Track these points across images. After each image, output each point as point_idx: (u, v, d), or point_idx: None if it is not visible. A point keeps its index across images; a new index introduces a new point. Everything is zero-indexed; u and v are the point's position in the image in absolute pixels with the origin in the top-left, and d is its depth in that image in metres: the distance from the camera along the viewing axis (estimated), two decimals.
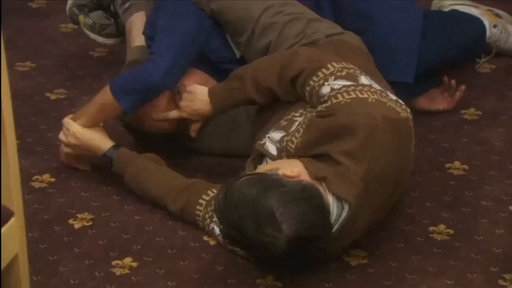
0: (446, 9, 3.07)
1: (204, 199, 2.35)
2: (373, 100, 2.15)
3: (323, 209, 2.05)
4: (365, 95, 2.16)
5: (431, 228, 2.38)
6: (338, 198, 2.09)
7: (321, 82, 2.23)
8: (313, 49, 2.42)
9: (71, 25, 3.31)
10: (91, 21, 2.98)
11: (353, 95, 2.16)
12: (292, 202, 2.00)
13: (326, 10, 2.74)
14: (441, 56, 2.80)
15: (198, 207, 2.35)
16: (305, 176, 2.09)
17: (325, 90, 2.21)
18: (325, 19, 2.66)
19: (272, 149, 2.26)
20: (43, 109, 2.90)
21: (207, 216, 2.34)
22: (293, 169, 2.09)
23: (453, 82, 2.82)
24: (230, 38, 2.65)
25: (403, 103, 2.24)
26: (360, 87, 2.18)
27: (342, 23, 2.67)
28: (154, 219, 2.43)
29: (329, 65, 2.25)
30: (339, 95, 2.17)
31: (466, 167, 2.62)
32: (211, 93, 2.43)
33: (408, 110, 2.23)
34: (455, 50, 2.83)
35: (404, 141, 2.17)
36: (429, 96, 2.85)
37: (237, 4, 2.58)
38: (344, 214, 2.10)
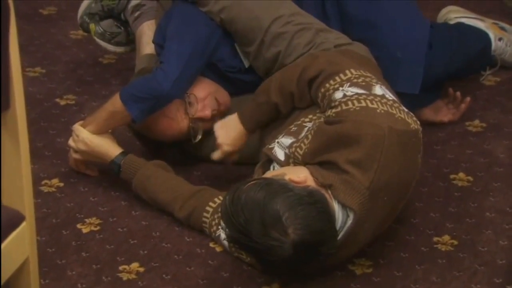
0: (451, 22, 3.08)
1: (211, 206, 2.36)
2: (382, 111, 2.16)
3: (329, 214, 2.06)
4: (375, 105, 2.17)
5: (435, 239, 2.38)
6: (343, 206, 2.10)
7: (336, 86, 2.24)
8: (334, 53, 2.44)
9: (81, 32, 3.32)
10: (101, 30, 2.99)
11: (363, 104, 2.17)
12: (298, 206, 2.00)
13: (333, 20, 2.74)
14: (446, 68, 2.80)
15: (204, 214, 2.36)
16: (311, 183, 2.10)
17: (338, 95, 2.22)
18: (333, 29, 2.67)
19: (280, 154, 2.26)
20: (53, 115, 2.91)
21: (213, 223, 2.35)
22: (300, 175, 2.09)
23: (458, 94, 2.82)
24: (239, 47, 2.66)
25: (413, 115, 2.25)
26: (371, 97, 2.19)
27: (349, 34, 2.68)
28: (161, 225, 2.44)
29: (347, 71, 2.26)
30: (349, 102, 2.18)
31: (470, 178, 2.62)
32: (241, 115, 2.43)
33: (418, 122, 2.23)
34: (460, 62, 2.83)
35: (411, 152, 2.18)
36: (434, 107, 2.86)
37: (247, 14, 2.59)
38: (349, 222, 2.11)
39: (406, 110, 2.24)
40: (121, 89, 2.51)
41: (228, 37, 2.64)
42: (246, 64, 2.67)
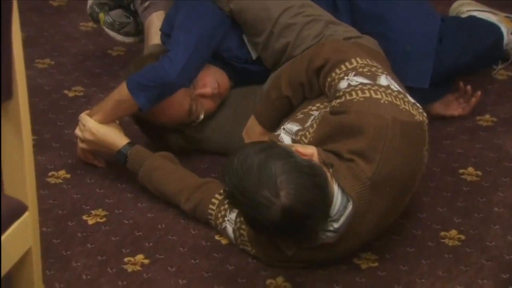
0: (463, 15, 3.07)
1: (217, 198, 2.36)
2: (386, 102, 2.16)
3: (325, 191, 2.04)
4: (379, 96, 2.17)
5: (442, 233, 2.38)
6: (344, 192, 2.09)
7: (341, 75, 2.24)
8: (340, 40, 2.44)
9: (90, 24, 3.34)
10: (111, 19, 2.99)
11: (367, 94, 2.17)
12: (296, 173, 2.00)
13: (343, 13, 2.74)
14: (457, 62, 2.79)
15: (210, 206, 2.36)
16: (316, 160, 2.10)
17: (343, 84, 2.22)
18: (342, 22, 2.67)
19: (287, 140, 2.27)
20: (61, 106, 2.92)
21: (219, 215, 2.35)
22: (307, 150, 2.09)
23: (468, 88, 2.82)
24: (247, 38, 2.67)
25: (420, 106, 2.24)
26: (376, 87, 2.19)
27: (359, 27, 2.68)
28: (167, 217, 2.44)
29: (353, 60, 2.27)
30: (353, 92, 2.18)
31: (479, 173, 2.61)
32: (257, 116, 2.45)
33: (425, 114, 2.23)
34: (471, 56, 2.81)
35: (415, 144, 2.18)
36: (444, 101, 2.85)
37: (257, 4, 2.59)
38: (348, 208, 2.10)
39: (412, 101, 2.23)
40: (128, 77, 2.51)
41: (236, 28, 2.65)
42: (254, 55, 2.67)
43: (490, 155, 2.70)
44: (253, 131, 2.48)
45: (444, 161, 2.67)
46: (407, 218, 2.42)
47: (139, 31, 3.01)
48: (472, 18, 2.99)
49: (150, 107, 2.50)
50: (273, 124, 2.43)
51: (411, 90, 2.49)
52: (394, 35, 2.70)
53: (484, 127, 2.83)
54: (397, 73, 2.50)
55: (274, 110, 2.43)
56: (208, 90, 2.59)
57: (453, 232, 2.38)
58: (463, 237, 2.36)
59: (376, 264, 2.27)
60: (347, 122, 2.14)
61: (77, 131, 2.57)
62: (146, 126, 2.65)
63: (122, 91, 2.50)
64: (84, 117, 2.56)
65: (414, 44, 2.71)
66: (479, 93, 2.82)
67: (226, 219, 2.33)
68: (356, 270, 2.26)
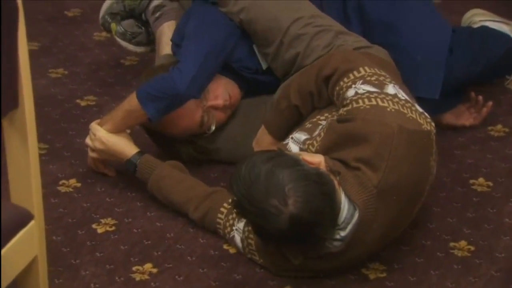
0: (475, 25, 3.06)
1: (225, 207, 2.37)
2: (392, 110, 2.16)
3: (333, 200, 2.05)
4: (385, 104, 2.17)
5: (451, 244, 2.37)
6: (351, 200, 2.10)
7: (349, 84, 2.25)
8: (350, 50, 2.46)
9: (104, 34, 3.36)
10: (122, 29, 3.01)
11: (374, 102, 2.18)
12: (304, 181, 2.01)
13: (354, 23, 2.75)
14: (467, 73, 2.79)
15: (219, 215, 2.37)
16: (323, 168, 2.11)
17: (350, 93, 2.23)
18: (353, 32, 2.67)
19: (295, 149, 2.28)
20: (73, 115, 2.94)
21: (227, 224, 2.36)
22: (315, 158, 2.10)
23: (480, 98, 2.81)
24: (257, 48, 2.67)
25: (428, 116, 2.24)
26: (383, 95, 2.20)
27: (369, 36, 2.68)
28: (175, 226, 2.45)
29: (361, 68, 2.28)
30: (360, 100, 2.19)
31: (490, 183, 2.61)
32: (267, 126, 2.47)
33: (433, 124, 2.23)
34: (482, 66, 2.81)
35: (422, 153, 2.18)
36: (455, 111, 2.85)
37: (266, 15, 2.60)
38: (355, 217, 2.10)
39: (420, 110, 2.23)
40: (138, 88, 2.53)
41: (246, 38, 2.66)
42: (264, 66, 2.68)
43: (502, 166, 2.69)
44: (263, 141, 2.48)
45: (455, 171, 2.66)
46: (416, 228, 2.41)
47: (151, 40, 3.02)
48: (484, 28, 2.98)
49: (159, 118, 2.51)
50: (282, 134, 2.44)
51: (422, 100, 2.50)
52: (405, 45, 2.70)
53: (495, 137, 2.82)
54: (408, 83, 2.50)
55: (284, 120, 2.44)
56: (220, 102, 2.60)
57: (463, 243, 2.37)
58: (472, 248, 2.36)
59: (384, 275, 2.27)
60: (353, 129, 2.14)
61: (88, 141, 2.59)
62: (157, 136, 2.66)
63: (132, 101, 2.51)
64: (94, 126, 2.58)
65: (425, 54, 2.71)
66: (490, 103, 2.81)
67: (234, 228, 2.33)
68: (364, 281, 2.26)
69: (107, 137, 2.54)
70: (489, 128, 2.86)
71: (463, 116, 2.84)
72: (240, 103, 2.71)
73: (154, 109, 2.49)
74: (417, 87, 2.60)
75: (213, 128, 2.61)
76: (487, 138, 2.82)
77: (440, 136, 2.75)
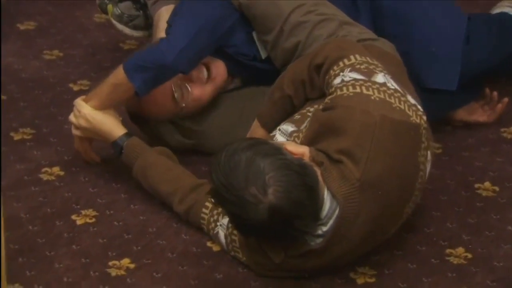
0: (497, 10, 3.00)
1: (210, 202, 2.36)
2: (377, 99, 2.15)
3: (315, 192, 2.06)
4: (370, 92, 2.17)
5: (448, 251, 2.36)
6: (334, 196, 2.10)
7: (337, 72, 2.26)
8: (346, 39, 2.46)
9: (105, 16, 3.31)
10: (119, 11, 3.01)
11: (358, 90, 2.18)
12: (285, 171, 2.02)
13: (363, 12, 2.73)
14: (484, 64, 2.77)
15: (203, 209, 2.37)
16: (307, 159, 2.12)
17: (337, 81, 2.24)
18: (360, 23, 2.65)
19: (282, 141, 2.28)
20: (64, 100, 2.95)
21: (211, 219, 2.36)
22: (298, 149, 2.12)
23: (495, 93, 2.80)
24: (256, 36, 2.67)
25: (421, 109, 2.22)
26: (369, 83, 2.19)
27: (380, 27, 2.67)
28: (159, 220, 2.46)
29: (351, 56, 2.28)
30: (344, 88, 2.19)
31: (496, 188, 2.59)
32: (260, 118, 2.47)
33: (424, 117, 2.21)
34: (499, 57, 2.79)
35: (408, 146, 2.17)
36: (468, 108, 2.84)
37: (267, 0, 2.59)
38: (337, 211, 2.10)
39: (412, 102, 2.22)
40: (125, 60, 2.52)
41: (245, 24, 2.65)
42: (263, 54, 2.67)
43: (511, 170, 2.67)
44: (255, 133, 2.49)
45: (460, 174, 2.65)
46: (412, 232, 2.41)
47: (149, 25, 3.01)
48: (502, 16, 2.92)
49: (146, 91, 2.49)
50: (274, 126, 2.43)
51: (437, 94, 2.48)
52: (418, 36, 2.69)
53: (508, 139, 2.80)
54: (423, 75, 2.50)
55: (277, 112, 2.44)
56: (192, 74, 2.58)
57: (460, 250, 2.37)
58: (470, 255, 2.35)
59: (373, 280, 2.27)
60: (334, 118, 2.15)
61: (71, 117, 2.56)
62: (141, 122, 2.66)
63: (118, 74, 2.50)
64: (79, 102, 2.56)
65: (440, 44, 2.70)
66: (506, 99, 2.79)
67: (218, 224, 2.34)
68: (351, 285, 2.26)
69: (93, 115, 2.53)
70: (502, 129, 2.84)
71: (476, 112, 2.83)
72: (237, 92, 2.71)
73: (141, 80, 2.47)
74: (434, 79, 2.60)
75: (183, 104, 2.59)
76: (499, 140, 2.80)
77: (449, 136, 2.78)
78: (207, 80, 2.63)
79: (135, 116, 2.66)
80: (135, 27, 3.03)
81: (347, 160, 2.11)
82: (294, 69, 2.42)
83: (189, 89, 2.60)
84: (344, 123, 2.13)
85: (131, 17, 3.02)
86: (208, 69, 2.63)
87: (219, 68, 2.65)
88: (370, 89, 2.18)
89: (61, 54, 3.22)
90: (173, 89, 2.57)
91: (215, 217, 2.36)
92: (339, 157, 2.12)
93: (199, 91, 2.61)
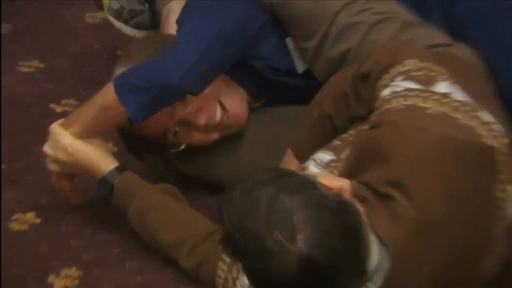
0: None
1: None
2: (436, 113, 1.92)
3: (358, 236, 1.80)
4: (427, 105, 1.95)
5: None
6: (382, 242, 1.84)
7: (386, 82, 2.06)
8: (404, 41, 2.30)
9: (100, 15, 3.17)
10: (118, 5, 2.80)
11: (410, 102, 1.96)
12: (319, 210, 1.76)
13: (434, 13, 2.48)
14: None
15: (220, 264, 2.12)
16: (347, 195, 1.88)
17: (385, 92, 2.04)
18: (429, 24, 2.41)
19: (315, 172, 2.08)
20: (43, 125, 2.59)
21: (230, 277, 2.10)
22: (336, 182, 1.87)
23: None
24: (293, 43, 2.45)
25: (501, 129, 1.95)
26: (426, 94, 1.96)
27: (456, 31, 2.41)
28: (162, 282, 2.20)
29: (406, 61, 2.08)
30: (393, 100, 1.99)
31: None
32: (292, 146, 2.28)
33: (505, 141, 1.92)
34: None
35: (480, 174, 1.89)
36: None
37: None
38: (386, 263, 1.84)
39: (488, 120, 1.95)
40: (116, 77, 2.27)
41: (277, 28, 2.44)
42: (301, 67, 2.45)
43: None
44: (288, 167, 2.25)
45: None
46: None
47: (155, 23, 2.81)
48: None
49: (143, 118, 2.25)
50: (306, 157, 2.19)
51: None
52: (507, 41, 2.42)
53: None
54: None
55: (315, 138, 2.21)
56: (199, 121, 2.35)
57: None
58: None
59: None
60: (380, 139, 1.92)
61: (47, 148, 2.32)
62: (129, 138, 2.42)
63: (107, 95, 2.26)
64: (56, 129, 2.33)
65: None
66: None
67: (238, 281, 2.08)
68: None
69: (74, 145, 2.29)
70: None
71: None
72: (263, 111, 2.49)
73: (136, 104, 2.22)
74: None
75: (178, 149, 2.37)
76: None
77: None
78: (219, 123, 2.38)
79: (125, 132, 2.41)
80: (137, 26, 2.81)
81: (398, 195, 1.85)
82: (336, 81, 2.18)
83: (190, 134, 2.39)
84: (392, 145, 1.88)
85: (133, 13, 2.82)
86: (224, 108, 2.38)
87: (240, 107, 2.41)
88: (428, 100, 1.95)
89: (41, 66, 3.03)
90: (167, 130, 2.35)
91: (235, 274, 2.09)
92: (387, 190, 1.86)
93: (200, 137, 2.39)
